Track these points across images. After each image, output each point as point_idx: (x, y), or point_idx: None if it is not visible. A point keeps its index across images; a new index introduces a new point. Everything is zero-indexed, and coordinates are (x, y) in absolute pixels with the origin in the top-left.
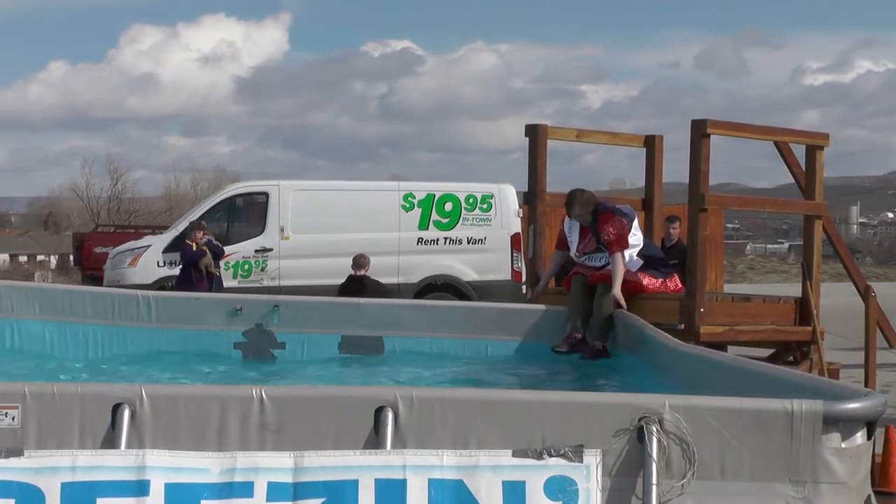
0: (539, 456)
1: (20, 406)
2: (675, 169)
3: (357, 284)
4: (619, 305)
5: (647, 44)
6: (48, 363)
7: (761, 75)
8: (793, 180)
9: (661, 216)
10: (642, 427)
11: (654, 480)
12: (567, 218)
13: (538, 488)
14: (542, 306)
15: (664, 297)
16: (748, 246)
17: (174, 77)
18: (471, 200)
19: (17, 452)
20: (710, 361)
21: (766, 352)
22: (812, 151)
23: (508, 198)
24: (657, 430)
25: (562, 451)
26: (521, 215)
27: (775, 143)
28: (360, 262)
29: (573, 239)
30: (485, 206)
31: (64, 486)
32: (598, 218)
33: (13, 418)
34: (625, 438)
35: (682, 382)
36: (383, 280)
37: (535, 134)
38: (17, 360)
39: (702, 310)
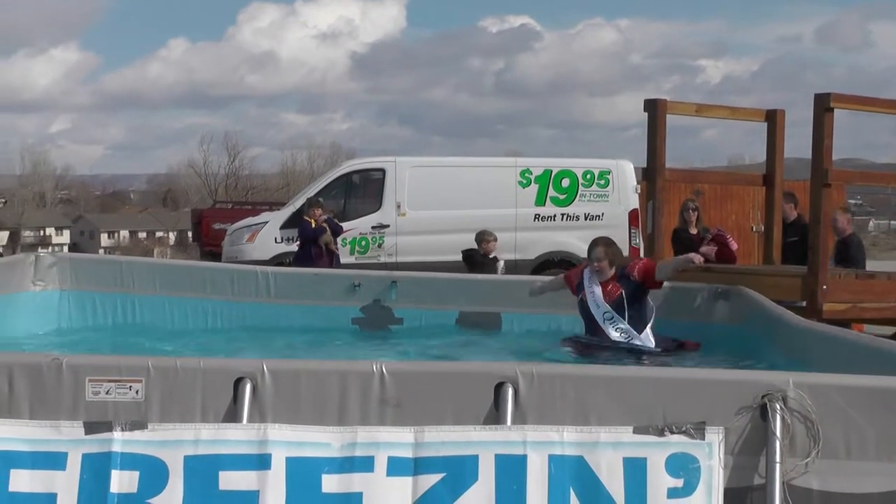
0: (660, 433)
1: (144, 380)
2: (797, 144)
3: (486, 259)
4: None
5: (768, 18)
6: (169, 338)
7: (887, 47)
8: None
9: (781, 192)
10: (765, 405)
11: (778, 458)
12: (586, 269)
13: (659, 465)
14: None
15: (785, 274)
16: (871, 222)
17: (292, 54)
18: (588, 176)
19: (141, 425)
20: (834, 338)
21: (891, 329)
22: None
23: (626, 174)
24: (781, 407)
25: (683, 429)
26: (639, 191)
27: None
28: (484, 237)
29: (593, 290)
30: (602, 182)
31: (187, 459)
32: (627, 266)
33: (137, 392)
34: (748, 416)
35: (805, 359)
36: (500, 257)
37: (655, 109)
38: (139, 335)
39: (824, 287)
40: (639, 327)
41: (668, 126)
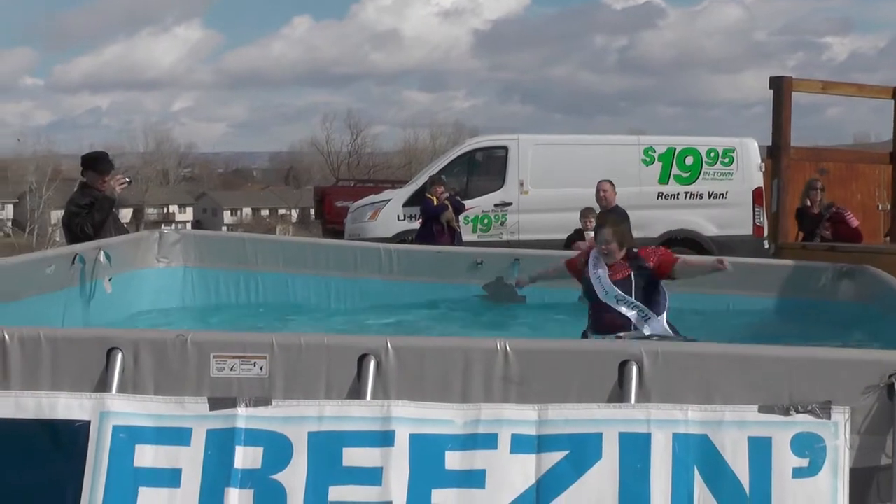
0: (786, 412)
1: (268, 356)
2: None
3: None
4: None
5: None
6: (293, 314)
7: None
8: None
9: None
10: (892, 384)
11: None
12: (592, 252)
13: (785, 445)
14: (788, 262)
15: None
16: None
17: (415, 32)
18: (712, 154)
19: (266, 402)
20: None
21: None
22: None
23: (750, 152)
24: None
25: (809, 408)
26: (764, 169)
27: None
28: (584, 214)
29: (598, 273)
30: (726, 160)
31: (311, 435)
32: (640, 250)
33: (261, 368)
34: (874, 395)
35: None
36: None
37: (780, 86)
38: (263, 312)
39: None
40: (653, 310)
41: (793, 104)
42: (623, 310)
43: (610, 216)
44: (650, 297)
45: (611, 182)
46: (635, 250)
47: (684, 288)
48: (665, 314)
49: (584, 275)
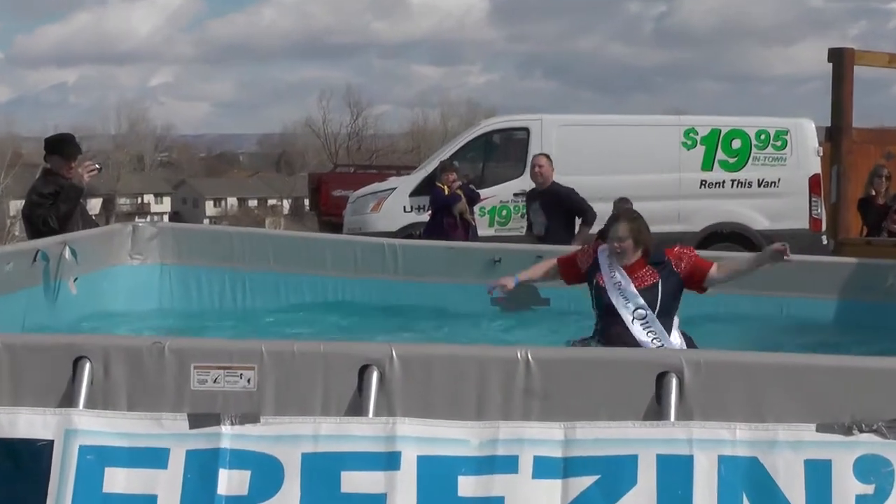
0: (847, 431)
1: (256, 367)
2: None
3: None
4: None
5: None
6: (284, 319)
7: None
8: None
9: None
10: None
11: None
12: (601, 250)
13: (846, 469)
14: (851, 259)
15: None
16: None
17: None
18: (762, 137)
19: (254, 419)
20: None
21: None
22: None
23: (806, 134)
24: None
25: (874, 427)
26: (822, 154)
27: None
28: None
29: (616, 277)
30: (778, 143)
31: (305, 457)
32: (665, 252)
33: (248, 380)
34: None
35: None
36: (660, 228)
37: (841, 59)
38: (251, 317)
39: None
40: (668, 326)
41: (855, 79)
42: (636, 328)
43: (624, 206)
44: (670, 311)
45: (547, 156)
46: (661, 253)
47: (726, 289)
48: (676, 327)
49: (593, 279)
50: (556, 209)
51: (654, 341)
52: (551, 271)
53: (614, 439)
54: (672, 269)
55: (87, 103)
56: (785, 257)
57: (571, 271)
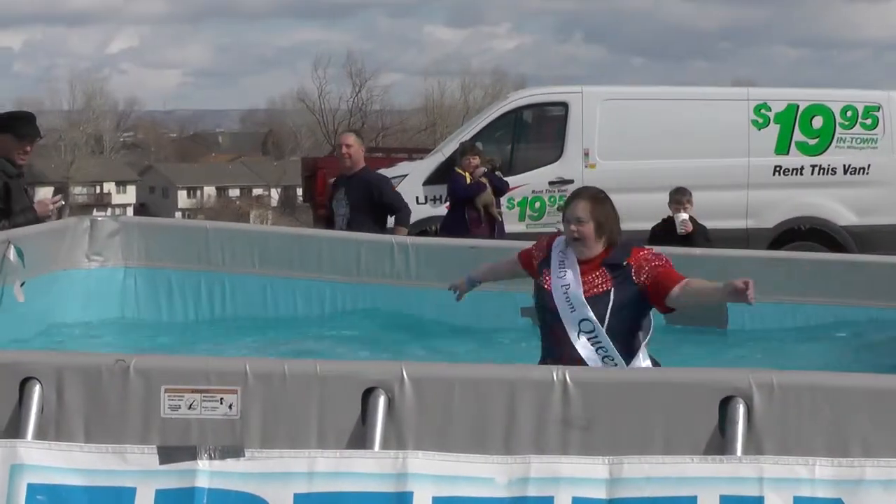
0: None
1: (239, 390)
2: None
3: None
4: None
5: None
6: (272, 333)
7: None
8: None
9: None
10: None
11: None
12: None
13: None
14: None
15: None
16: None
17: None
18: (849, 114)
19: (237, 452)
20: None
21: None
22: None
23: None
24: None
25: None
26: None
27: None
28: (677, 198)
29: (564, 274)
30: (868, 121)
31: (298, 498)
32: (631, 252)
33: (230, 406)
34: None
35: None
36: (725, 224)
37: None
38: (233, 330)
39: None
40: (627, 348)
41: None
42: (581, 343)
43: (589, 188)
44: (631, 326)
45: (356, 133)
46: (623, 251)
47: (802, 296)
48: (643, 350)
49: (540, 275)
50: (364, 201)
51: (602, 356)
52: (511, 267)
53: (669, 477)
54: (629, 277)
55: (35, 72)
56: (749, 301)
57: (529, 265)
